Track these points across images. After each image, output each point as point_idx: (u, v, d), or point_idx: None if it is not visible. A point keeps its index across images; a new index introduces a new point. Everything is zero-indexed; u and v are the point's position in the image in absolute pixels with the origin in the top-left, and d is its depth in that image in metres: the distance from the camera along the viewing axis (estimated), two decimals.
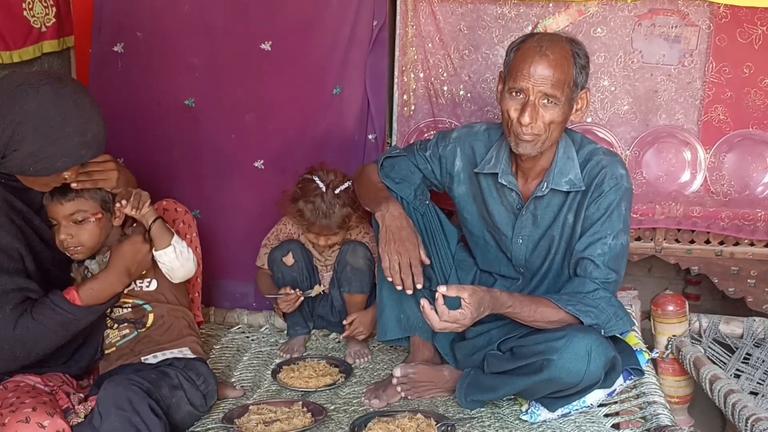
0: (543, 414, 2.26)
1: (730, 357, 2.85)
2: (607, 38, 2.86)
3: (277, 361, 2.74)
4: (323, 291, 2.82)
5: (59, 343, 2.16)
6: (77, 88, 2.09)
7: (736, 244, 2.90)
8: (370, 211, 2.49)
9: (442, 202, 2.66)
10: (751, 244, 2.89)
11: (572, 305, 2.17)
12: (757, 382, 2.75)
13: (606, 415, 2.29)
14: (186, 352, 2.37)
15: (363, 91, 2.94)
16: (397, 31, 2.94)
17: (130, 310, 2.37)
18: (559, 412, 2.25)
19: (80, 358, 2.33)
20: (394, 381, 2.41)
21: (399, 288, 2.30)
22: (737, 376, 2.77)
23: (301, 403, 2.33)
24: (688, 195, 2.90)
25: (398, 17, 2.93)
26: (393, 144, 2.99)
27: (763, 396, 2.68)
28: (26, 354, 2.11)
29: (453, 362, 2.49)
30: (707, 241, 2.91)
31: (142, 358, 2.31)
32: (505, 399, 2.38)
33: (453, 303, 2.06)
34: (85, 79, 3.00)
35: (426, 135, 2.95)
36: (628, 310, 2.59)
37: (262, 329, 3.02)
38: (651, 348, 2.74)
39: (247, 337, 2.97)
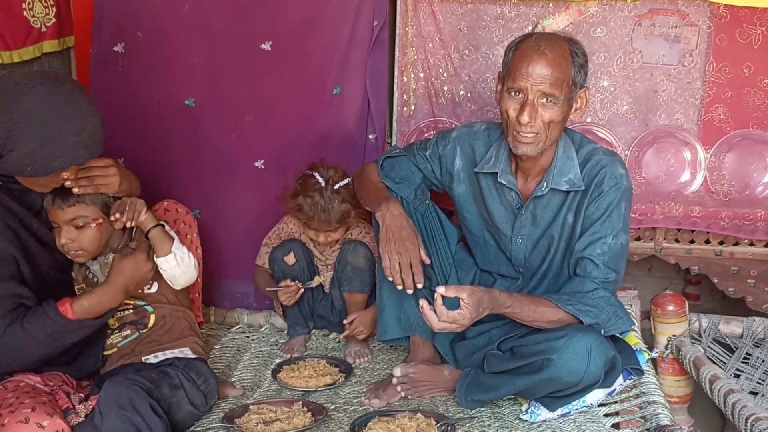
0: (543, 413, 2.26)
1: (730, 357, 2.85)
2: (607, 38, 2.86)
3: (278, 360, 2.74)
4: (323, 282, 2.82)
5: (48, 354, 2.14)
6: (74, 87, 2.08)
7: (736, 244, 2.90)
8: (370, 211, 2.49)
9: (442, 202, 2.66)
10: (751, 244, 2.89)
11: (572, 305, 2.17)
12: (757, 382, 2.74)
13: (606, 415, 2.29)
14: (187, 352, 2.37)
15: (363, 91, 2.94)
16: (397, 31, 2.94)
17: (131, 311, 2.37)
18: (559, 411, 2.25)
19: (81, 366, 2.31)
20: (394, 381, 2.41)
21: (399, 287, 2.31)
22: (737, 376, 2.77)
23: (301, 402, 2.33)
24: (688, 195, 2.90)
25: (398, 17, 2.93)
26: (393, 144, 2.99)
27: (762, 396, 2.68)
28: (10, 362, 2.09)
29: (453, 362, 2.49)
30: (707, 241, 2.91)
31: (143, 358, 2.32)
32: (505, 399, 2.38)
33: (452, 303, 2.06)
34: (85, 79, 3.00)
35: (426, 135, 2.95)
36: (628, 310, 2.60)
37: (263, 329, 3.02)
38: (651, 348, 2.74)
39: (248, 336, 2.97)
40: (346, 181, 2.70)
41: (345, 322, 2.73)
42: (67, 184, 2.13)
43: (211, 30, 2.93)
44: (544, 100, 2.16)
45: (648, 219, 2.88)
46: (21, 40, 2.70)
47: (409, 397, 2.42)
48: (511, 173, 2.36)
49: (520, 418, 2.30)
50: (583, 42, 2.33)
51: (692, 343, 2.86)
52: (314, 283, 2.78)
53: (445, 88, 2.98)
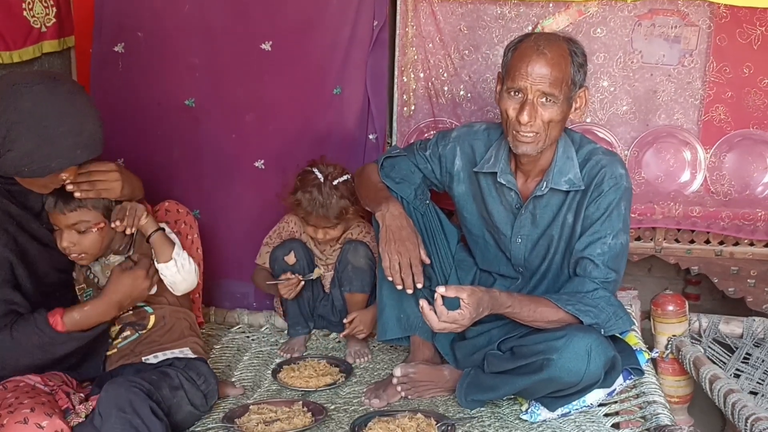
0: (543, 413, 2.26)
1: (730, 357, 2.85)
2: (606, 38, 2.86)
3: (278, 360, 2.74)
4: (323, 274, 2.82)
5: (35, 363, 2.12)
6: (73, 87, 2.07)
7: (736, 244, 2.90)
8: (370, 211, 2.49)
9: (442, 202, 2.66)
10: (751, 244, 2.89)
11: (572, 305, 2.17)
12: (757, 382, 2.75)
13: (606, 415, 2.29)
14: (187, 352, 2.38)
15: (363, 91, 2.94)
16: (397, 31, 2.94)
17: (131, 312, 2.37)
18: (559, 411, 2.25)
19: (83, 372, 2.30)
20: (395, 381, 2.41)
21: (399, 287, 2.31)
22: (737, 376, 2.77)
23: (301, 402, 2.33)
24: (688, 195, 2.90)
25: (398, 17, 2.93)
26: (393, 144, 2.99)
27: (762, 396, 2.68)
28: None
29: (453, 362, 2.49)
30: (707, 241, 2.91)
31: (143, 358, 2.32)
32: (505, 398, 2.38)
33: (452, 303, 2.06)
34: (85, 79, 3.00)
35: (426, 135, 2.95)
36: (628, 310, 2.60)
37: (263, 329, 3.02)
38: (651, 348, 2.74)
39: (248, 336, 2.97)
40: (345, 177, 2.71)
41: (345, 321, 2.73)
42: (69, 188, 2.12)
43: (211, 30, 2.93)
44: (544, 99, 2.16)
45: (648, 219, 2.88)
46: (21, 40, 2.70)
47: (410, 397, 2.42)
48: (511, 173, 2.36)
49: (520, 418, 2.30)
50: (583, 42, 2.33)
51: (692, 343, 2.86)
52: (314, 275, 2.78)
53: (445, 88, 2.98)
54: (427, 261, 2.36)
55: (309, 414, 2.27)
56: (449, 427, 2.18)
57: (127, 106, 2.99)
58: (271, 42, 2.92)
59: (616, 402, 2.33)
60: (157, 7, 2.92)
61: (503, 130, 2.29)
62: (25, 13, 2.72)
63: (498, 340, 2.31)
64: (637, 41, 2.86)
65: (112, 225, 2.22)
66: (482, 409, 2.36)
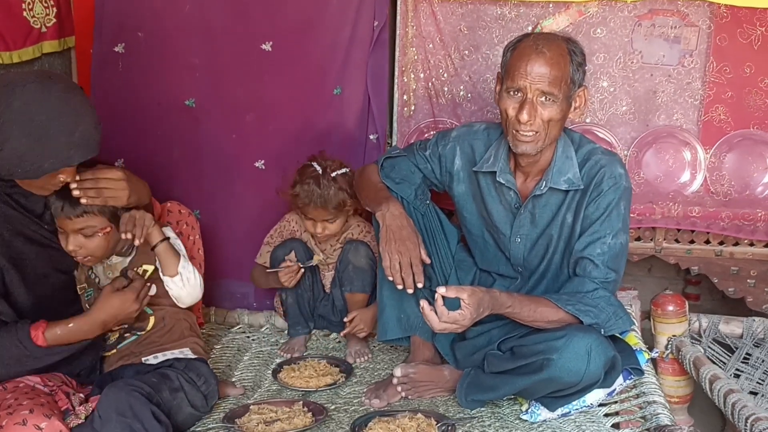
0: (543, 413, 2.26)
1: (730, 357, 2.85)
2: (606, 39, 2.87)
3: (278, 360, 2.74)
4: (322, 261, 2.82)
5: (12, 375, 2.10)
6: (67, 86, 2.03)
7: (736, 244, 2.90)
8: (370, 211, 2.49)
9: (442, 203, 2.66)
10: (751, 244, 2.90)
11: (572, 305, 2.17)
12: (757, 382, 2.75)
13: (606, 415, 2.29)
14: (187, 353, 2.37)
15: (363, 91, 2.94)
16: (398, 32, 2.95)
17: None
18: (559, 411, 2.25)
19: (79, 376, 2.30)
20: (395, 381, 2.41)
21: (400, 287, 2.31)
22: (737, 376, 2.78)
23: (301, 402, 2.33)
24: (688, 195, 2.90)
25: (398, 17, 2.93)
26: (393, 144, 2.99)
27: (762, 396, 2.68)
28: None
29: (453, 362, 2.49)
30: (707, 241, 2.92)
31: (143, 359, 2.31)
32: (505, 399, 2.38)
33: (452, 304, 2.06)
34: (86, 80, 3.00)
35: (426, 135, 2.95)
36: (628, 310, 2.60)
37: (263, 329, 3.02)
38: (651, 348, 2.74)
39: (248, 336, 2.97)
40: (344, 170, 2.71)
41: (346, 320, 2.73)
42: (75, 193, 2.10)
43: (211, 30, 2.93)
44: (543, 98, 2.16)
45: (647, 219, 2.88)
46: (21, 41, 2.70)
47: (410, 397, 2.42)
48: (510, 172, 2.36)
49: (521, 418, 2.30)
50: (583, 42, 2.34)
51: (692, 343, 2.86)
52: (314, 261, 2.78)
53: (446, 89, 2.98)
54: (428, 260, 2.36)
55: (309, 414, 2.27)
56: (449, 427, 2.18)
57: (128, 106, 2.99)
58: (271, 42, 2.92)
59: (616, 402, 2.34)
60: (158, 8, 2.92)
61: (503, 129, 2.30)
62: (25, 13, 2.71)
63: (498, 340, 2.31)
64: (637, 41, 2.86)
65: (123, 236, 2.21)
66: (482, 409, 2.36)
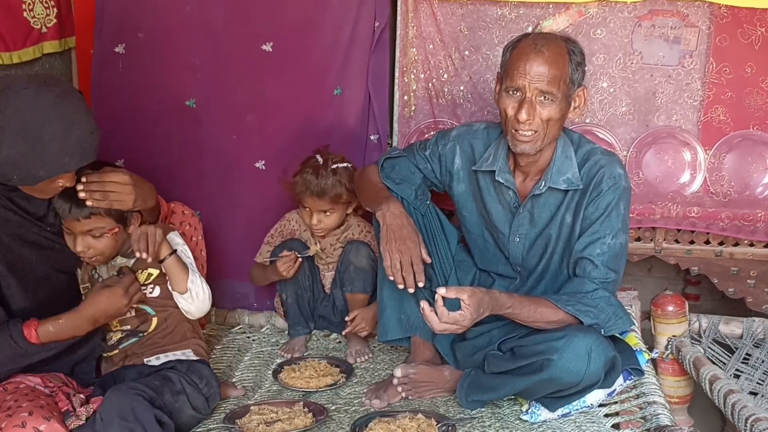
0: (543, 414, 2.27)
1: (730, 357, 2.86)
2: (606, 39, 2.87)
3: (278, 361, 2.74)
4: (319, 251, 2.83)
5: (7, 373, 2.11)
6: (62, 92, 1.98)
7: (736, 244, 2.91)
8: (370, 212, 2.49)
9: (442, 203, 2.66)
10: (751, 245, 2.90)
11: (572, 305, 2.18)
12: (757, 382, 2.75)
13: (606, 415, 2.30)
14: (189, 354, 2.38)
15: (364, 91, 2.95)
16: (398, 32, 2.95)
17: (133, 314, 2.37)
18: (560, 412, 2.26)
19: (77, 378, 2.30)
20: (395, 381, 2.41)
21: (400, 286, 2.31)
22: (737, 376, 2.78)
23: (302, 403, 2.33)
24: (688, 195, 2.90)
25: (399, 18, 2.93)
26: (393, 145, 2.99)
27: (762, 396, 2.68)
28: None
29: (453, 362, 2.49)
30: (707, 242, 2.92)
31: (145, 360, 2.32)
32: (505, 399, 2.38)
33: (453, 304, 2.07)
34: (86, 80, 3.01)
35: (426, 136, 2.95)
36: (628, 311, 2.60)
37: (263, 329, 3.02)
38: (651, 348, 2.74)
39: (248, 337, 2.97)
40: (345, 164, 2.73)
41: (347, 319, 2.74)
42: (81, 195, 2.10)
43: (211, 30, 2.93)
44: (542, 98, 2.17)
45: (647, 219, 2.88)
46: (21, 41, 2.70)
47: (410, 397, 2.42)
48: (509, 172, 2.36)
49: (521, 419, 2.30)
50: (583, 43, 2.34)
51: (692, 343, 2.86)
52: (311, 252, 2.79)
53: (446, 89, 2.98)
54: (428, 260, 2.36)
55: (310, 414, 2.28)
56: (450, 428, 2.19)
57: (128, 106, 2.99)
58: (271, 42, 2.93)
59: (616, 402, 2.34)
60: (158, 8, 2.92)
61: (503, 129, 2.30)
62: (25, 13, 2.72)
63: (498, 340, 2.31)
64: (637, 42, 2.86)
65: (137, 255, 2.22)
66: (483, 409, 2.36)
